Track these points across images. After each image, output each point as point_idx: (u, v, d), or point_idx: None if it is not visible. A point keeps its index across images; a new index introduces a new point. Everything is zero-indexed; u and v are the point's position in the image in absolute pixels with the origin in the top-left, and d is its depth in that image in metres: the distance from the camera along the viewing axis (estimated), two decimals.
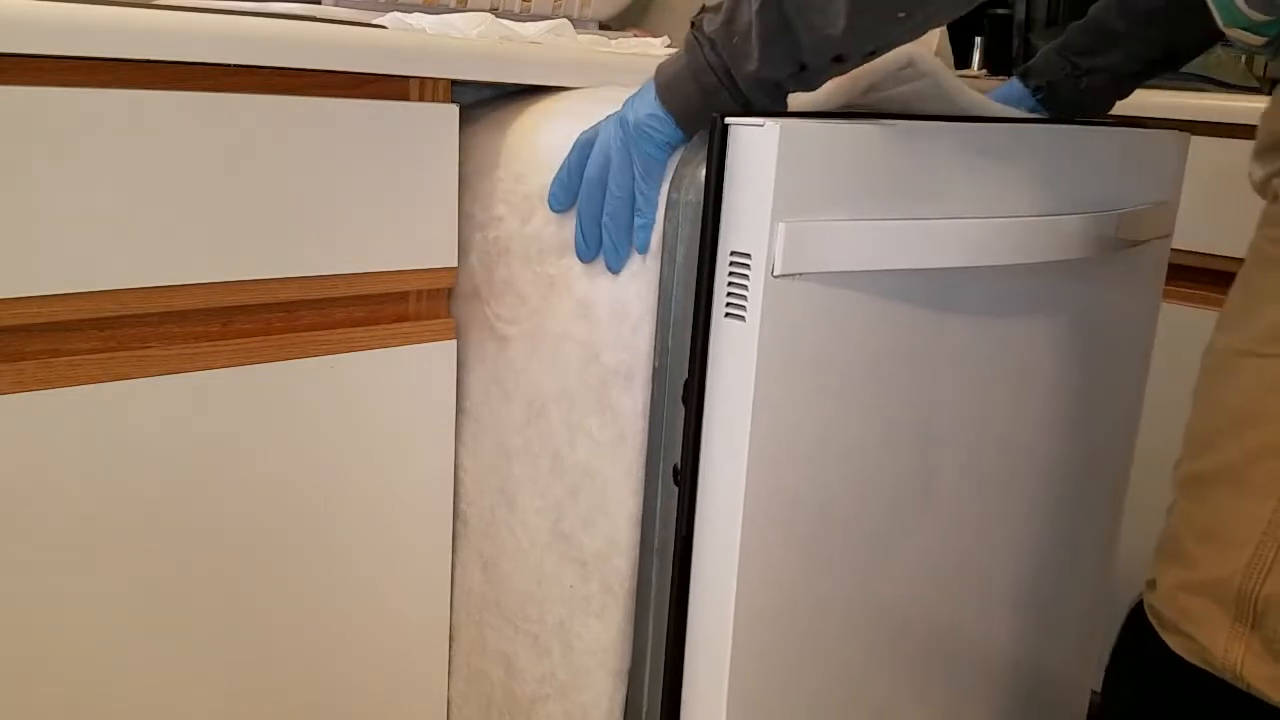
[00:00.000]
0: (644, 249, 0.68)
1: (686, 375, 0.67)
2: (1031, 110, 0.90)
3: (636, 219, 0.67)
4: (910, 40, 0.64)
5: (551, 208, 0.72)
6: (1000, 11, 1.50)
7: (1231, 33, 0.65)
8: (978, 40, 1.53)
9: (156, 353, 0.67)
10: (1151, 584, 0.68)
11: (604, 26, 1.18)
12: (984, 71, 1.52)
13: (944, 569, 0.83)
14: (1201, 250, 1.14)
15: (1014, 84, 0.91)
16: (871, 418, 0.73)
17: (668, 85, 0.66)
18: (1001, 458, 0.85)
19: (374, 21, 0.79)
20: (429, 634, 0.86)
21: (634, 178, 0.67)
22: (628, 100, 0.68)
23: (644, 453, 0.71)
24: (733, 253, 0.64)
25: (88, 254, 0.63)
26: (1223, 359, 0.65)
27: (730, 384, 0.65)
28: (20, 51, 0.58)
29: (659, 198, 0.67)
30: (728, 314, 0.65)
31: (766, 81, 0.64)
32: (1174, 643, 0.65)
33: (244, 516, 0.73)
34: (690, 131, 0.66)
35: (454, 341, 0.81)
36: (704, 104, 0.65)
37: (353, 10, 0.91)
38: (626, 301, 0.69)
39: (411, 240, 0.76)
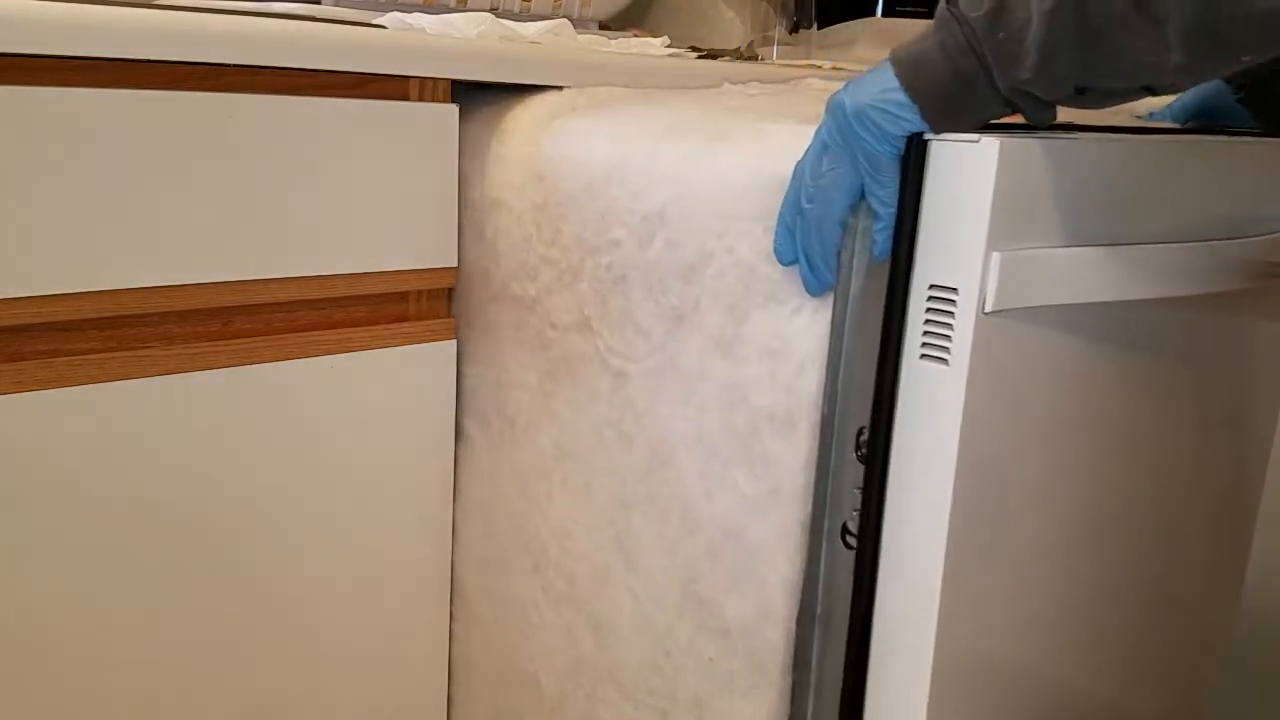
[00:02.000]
0: (884, 255, 0.58)
1: (864, 425, 0.60)
2: (1231, 110, 0.82)
3: (875, 223, 0.58)
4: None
5: (779, 259, 0.61)
6: None
7: None
8: None
9: (156, 353, 0.67)
10: None
11: (604, 26, 1.17)
12: None
13: (1112, 635, 0.76)
14: None
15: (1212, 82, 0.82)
16: (1077, 468, 0.66)
17: (911, 63, 0.55)
18: (1159, 505, 0.77)
19: (374, 21, 0.79)
20: (428, 635, 0.86)
21: (858, 176, 0.57)
22: (844, 88, 0.58)
23: (806, 510, 0.63)
24: (932, 286, 0.57)
25: (88, 254, 0.63)
26: None
27: (926, 435, 0.58)
28: (20, 51, 0.58)
29: (894, 198, 0.57)
30: (924, 355, 0.57)
31: (1029, 95, 0.54)
32: None
33: (243, 516, 0.73)
34: (938, 123, 0.55)
35: (454, 341, 0.81)
36: (957, 90, 0.54)
37: (353, 10, 0.91)
38: (789, 339, 0.62)
39: (411, 240, 0.76)
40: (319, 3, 0.92)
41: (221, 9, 0.69)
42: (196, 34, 0.63)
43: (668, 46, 1.03)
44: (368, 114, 0.72)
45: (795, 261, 0.60)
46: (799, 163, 0.60)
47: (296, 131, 0.69)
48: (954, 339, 0.56)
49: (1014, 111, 0.56)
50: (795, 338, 0.61)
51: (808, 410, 0.62)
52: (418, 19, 0.83)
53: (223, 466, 0.71)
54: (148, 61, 0.62)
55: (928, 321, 0.57)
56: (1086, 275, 0.60)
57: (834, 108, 0.57)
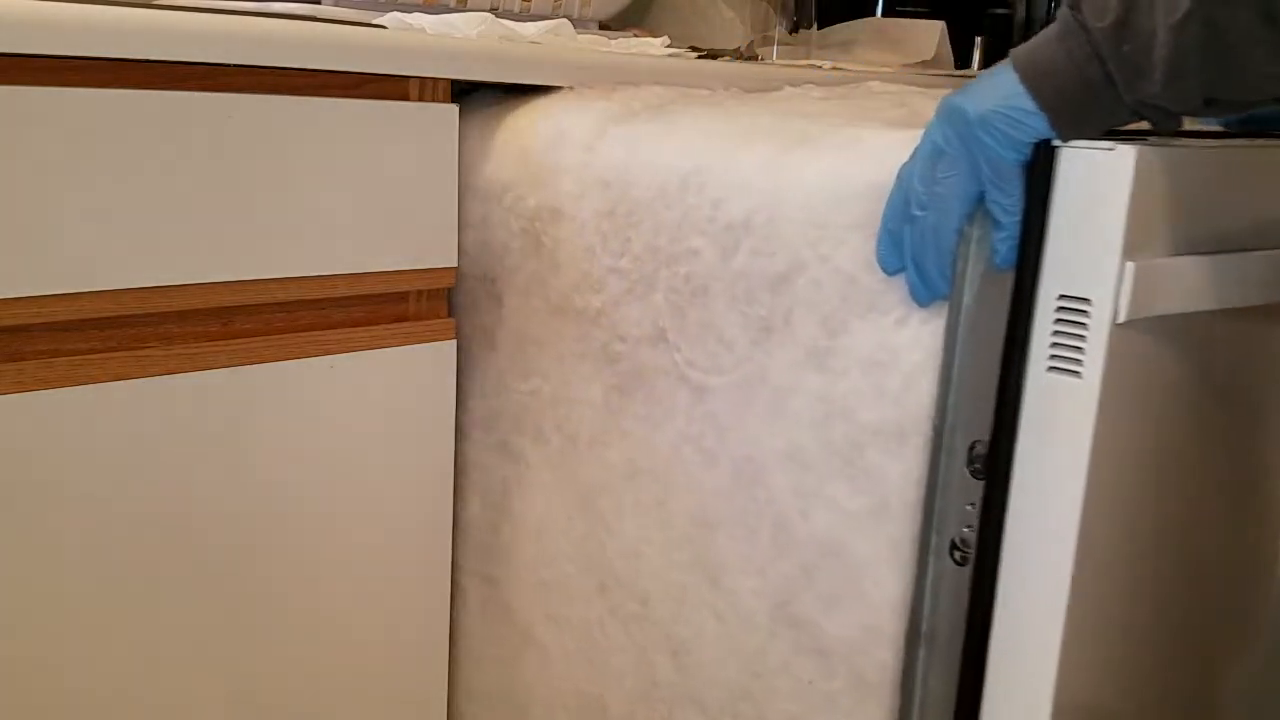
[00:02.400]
0: (1006, 263, 0.56)
1: (976, 438, 0.58)
2: (1276, 114, 0.81)
3: (997, 232, 0.56)
4: None
5: (884, 268, 0.59)
6: (1000, 11, 1.50)
7: None
8: (978, 40, 1.54)
9: (156, 353, 0.67)
10: None
11: (604, 26, 1.17)
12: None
13: (1186, 658, 0.74)
14: None
15: None
16: (1187, 482, 0.64)
17: (1036, 69, 0.54)
18: (1233, 516, 0.74)
19: (374, 21, 0.79)
20: (428, 636, 0.86)
21: (978, 183, 0.56)
22: (958, 93, 0.56)
23: (915, 525, 0.61)
24: (1062, 296, 0.55)
25: (87, 254, 0.63)
26: None
27: (1053, 449, 0.56)
28: (20, 51, 0.58)
29: (1018, 206, 0.56)
30: (1053, 368, 0.56)
31: (1157, 107, 0.53)
32: None
33: (243, 516, 0.73)
34: (1065, 130, 0.54)
35: (454, 341, 0.81)
36: (1085, 98, 0.53)
37: (353, 10, 0.91)
38: (896, 350, 0.60)
39: (411, 240, 0.76)
40: (319, 3, 0.92)
41: (221, 9, 0.69)
42: (196, 34, 0.63)
43: (668, 46, 1.04)
44: (368, 114, 0.72)
45: (901, 270, 0.59)
46: (905, 168, 0.58)
47: (296, 131, 0.69)
48: (1086, 351, 0.55)
49: (1140, 119, 0.55)
50: (902, 349, 0.60)
51: (918, 423, 0.60)
52: (418, 19, 0.83)
53: (222, 466, 0.71)
54: (148, 61, 0.62)
55: (1056, 333, 0.56)
56: (1211, 282, 0.59)
57: (951, 112, 0.56)
